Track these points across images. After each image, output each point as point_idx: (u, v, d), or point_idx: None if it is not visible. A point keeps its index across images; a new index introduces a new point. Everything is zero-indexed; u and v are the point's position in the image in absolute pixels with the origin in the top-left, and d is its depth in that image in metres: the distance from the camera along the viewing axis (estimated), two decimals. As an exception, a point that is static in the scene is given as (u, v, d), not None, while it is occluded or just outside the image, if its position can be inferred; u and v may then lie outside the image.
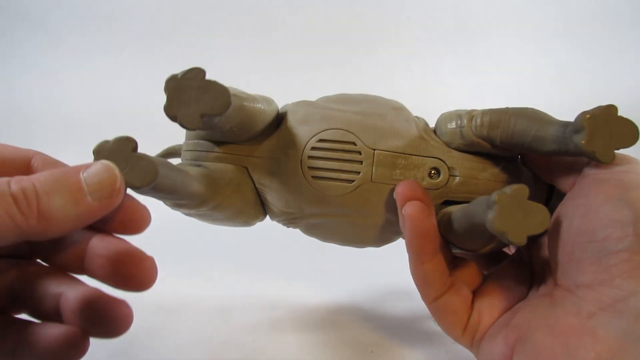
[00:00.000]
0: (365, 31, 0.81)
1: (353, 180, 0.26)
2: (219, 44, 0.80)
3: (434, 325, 0.33)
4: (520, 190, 0.19)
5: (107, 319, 0.19)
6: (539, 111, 0.23)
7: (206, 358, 0.31)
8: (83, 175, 0.17)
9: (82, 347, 0.19)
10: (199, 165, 0.27)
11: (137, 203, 0.20)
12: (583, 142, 0.19)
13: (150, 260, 0.19)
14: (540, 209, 0.19)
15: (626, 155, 0.21)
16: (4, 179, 0.16)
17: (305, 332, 0.34)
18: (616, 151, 0.20)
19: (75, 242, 0.20)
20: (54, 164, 0.21)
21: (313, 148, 0.26)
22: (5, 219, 0.15)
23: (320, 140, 0.26)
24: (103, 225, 0.20)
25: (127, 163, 0.18)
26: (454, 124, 0.26)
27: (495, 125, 0.24)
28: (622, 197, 0.18)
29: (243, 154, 0.27)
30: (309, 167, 0.26)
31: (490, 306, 0.24)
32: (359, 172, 0.26)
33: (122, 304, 0.19)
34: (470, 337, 0.24)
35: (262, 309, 0.38)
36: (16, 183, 0.16)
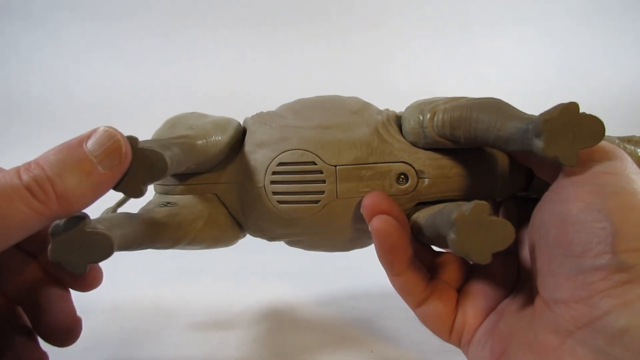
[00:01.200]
0: (367, 8, 0.81)
1: (318, 201, 0.25)
2: (221, 23, 0.80)
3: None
4: (478, 208, 0.18)
5: (66, 333, 0.23)
6: (503, 104, 0.22)
7: (206, 358, 0.31)
8: (87, 147, 0.17)
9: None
10: (167, 204, 0.26)
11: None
12: (543, 147, 0.18)
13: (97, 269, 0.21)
14: (502, 224, 0.18)
15: (609, 149, 0.19)
16: (13, 170, 0.16)
17: (305, 332, 0.34)
18: (602, 142, 0.19)
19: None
20: None
21: (274, 172, 0.25)
22: (26, 211, 0.16)
23: (280, 164, 0.25)
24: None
25: (81, 243, 0.18)
26: (416, 123, 0.25)
27: (457, 125, 0.22)
28: (600, 207, 0.17)
29: (210, 182, 0.27)
30: (273, 193, 0.25)
31: (474, 307, 0.24)
32: (323, 192, 0.25)
33: (79, 322, 0.23)
34: (457, 338, 0.24)
35: (261, 308, 0.38)
36: (26, 172, 0.16)
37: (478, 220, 0.18)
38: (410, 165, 0.25)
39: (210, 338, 0.33)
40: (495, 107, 0.21)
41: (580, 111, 0.18)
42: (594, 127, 0.18)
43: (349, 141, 0.25)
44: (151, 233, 0.23)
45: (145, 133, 0.27)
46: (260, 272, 0.45)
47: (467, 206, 0.19)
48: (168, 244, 0.25)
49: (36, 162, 0.17)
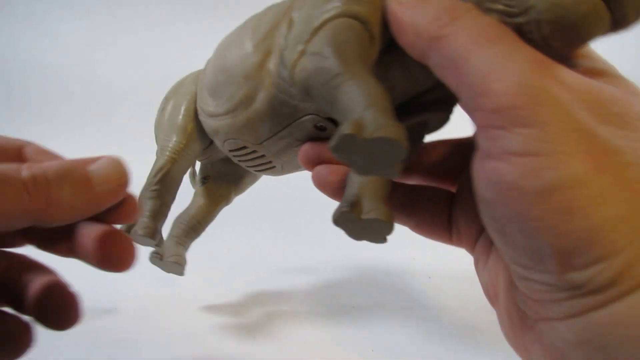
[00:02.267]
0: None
1: (275, 166, 0.28)
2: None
3: (434, 325, 0.33)
4: (343, 215, 0.19)
5: (57, 309, 0.20)
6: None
7: (206, 357, 0.31)
8: (91, 168, 0.18)
9: (24, 340, 0.21)
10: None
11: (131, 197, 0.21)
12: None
13: (130, 241, 0.20)
14: (374, 222, 0.19)
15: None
16: (14, 165, 0.17)
17: (305, 332, 0.34)
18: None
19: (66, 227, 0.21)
20: (48, 153, 0.21)
21: (233, 157, 0.28)
22: (14, 203, 0.16)
23: (230, 151, 0.28)
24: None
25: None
26: (283, 79, 0.22)
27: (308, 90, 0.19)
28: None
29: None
30: (245, 166, 0.29)
31: (465, 229, 0.22)
32: (271, 161, 0.27)
33: (74, 297, 0.20)
34: (458, 244, 0.23)
35: (261, 308, 0.38)
36: (27, 169, 0.17)
37: (354, 222, 0.19)
38: (316, 114, 0.23)
39: (210, 338, 0.33)
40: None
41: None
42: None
43: (256, 116, 0.24)
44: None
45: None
46: (261, 272, 0.45)
47: (336, 210, 0.19)
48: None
49: (41, 165, 0.17)
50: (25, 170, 0.17)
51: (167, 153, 0.30)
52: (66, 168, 0.17)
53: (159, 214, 0.30)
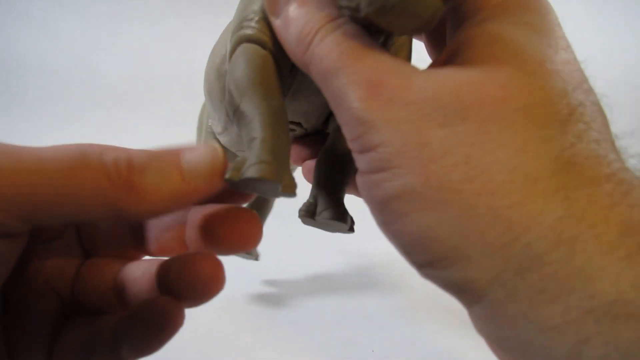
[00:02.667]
0: None
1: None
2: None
3: (434, 325, 0.33)
4: (301, 217, 0.20)
5: (192, 278, 0.18)
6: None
7: (206, 359, 0.31)
8: (184, 156, 0.16)
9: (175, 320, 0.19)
10: None
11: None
12: None
13: (253, 214, 0.18)
14: (329, 223, 0.20)
15: None
16: (97, 146, 0.15)
17: (305, 332, 0.34)
18: None
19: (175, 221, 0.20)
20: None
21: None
22: (91, 188, 0.14)
23: None
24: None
25: None
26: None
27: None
28: None
29: None
30: None
31: None
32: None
33: (210, 258, 0.18)
34: None
35: (262, 308, 0.38)
36: (112, 152, 0.15)
37: (309, 221, 0.20)
38: None
39: (210, 337, 0.33)
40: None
41: None
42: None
43: (212, 108, 0.25)
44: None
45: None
46: (261, 272, 0.45)
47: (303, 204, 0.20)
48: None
49: (125, 149, 0.15)
50: (108, 153, 0.15)
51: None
52: (155, 154, 0.15)
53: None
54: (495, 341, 0.14)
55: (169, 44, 0.85)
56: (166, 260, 0.19)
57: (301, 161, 0.25)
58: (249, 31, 0.19)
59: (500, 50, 0.15)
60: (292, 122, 0.24)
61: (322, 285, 0.41)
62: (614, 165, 0.14)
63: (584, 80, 0.15)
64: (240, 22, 0.19)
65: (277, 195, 0.18)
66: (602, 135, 0.14)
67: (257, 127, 0.17)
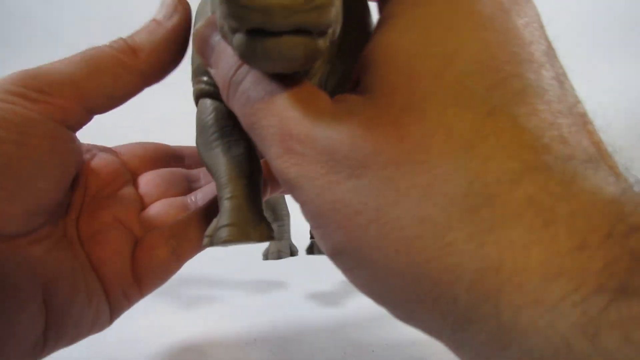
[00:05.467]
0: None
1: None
2: None
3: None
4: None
5: None
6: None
7: (206, 358, 0.31)
8: (155, 16, 0.21)
9: None
10: None
11: None
12: None
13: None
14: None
15: None
16: (103, 46, 0.20)
17: (305, 331, 0.34)
18: None
19: None
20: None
21: None
22: (117, 69, 0.20)
23: None
24: None
25: None
26: None
27: None
28: None
29: None
30: None
31: None
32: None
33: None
34: None
35: (262, 307, 0.38)
36: (111, 43, 0.20)
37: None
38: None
39: (210, 337, 0.33)
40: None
41: None
42: None
43: None
44: None
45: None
46: (261, 272, 0.45)
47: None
48: None
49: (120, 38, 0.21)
50: (111, 45, 0.20)
51: None
52: (138, 28, 0.21)
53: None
54: None
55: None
56: None
57: (268, 194, 0.25)
58: (202, 85, 0.20)
59: (394, 72, 0.13)
60: None
61: (321, 284, 0.42)
62: (529, 186, 0.11)
63: (507, 76, 0.13)
64: (194, 75, 0.21)
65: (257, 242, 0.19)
66: (517, 150, 0.12)
67: (221, 185, 0.19)
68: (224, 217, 0.18)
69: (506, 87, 0.12)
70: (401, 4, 0.14)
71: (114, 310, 0.23)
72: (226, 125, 0.20)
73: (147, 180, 0.27)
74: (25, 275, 0.19)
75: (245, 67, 0.16)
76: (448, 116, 0.12)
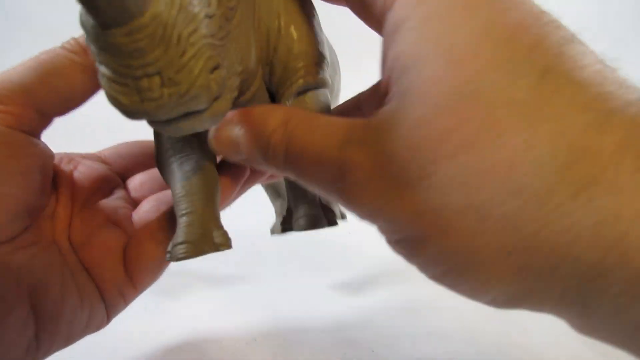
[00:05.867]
0: None
1: None
2: None
3: (435, 324, 0.33)
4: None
5: None
6: None
7: (206, 357, 0.31)
8: None
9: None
10: None
11: None
12: None
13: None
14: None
15: None
16: (55, 49, 0.20)
17: (305, 331, 0.34)
18: None
19: None
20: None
21: None
22: (73, 67, 0.20)
23: None
24: None
25: None
26: None
27: None
28: None
29: None
30: None
31: None
32: None
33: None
34: None
35: (262, 307, 0.38)
36: (64, 44, 0.20)
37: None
38: None
39: (210, 336, 0.33)
40: None
41: None
42: None
43: None
44: None
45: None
46: (260, 272, 0.45)
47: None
48: None
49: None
50: (63, 46, 0.20)
51: None
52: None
53: None
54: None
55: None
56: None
57: (253, 182, 0.26)
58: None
59: (428, 66, 0.13)
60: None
61: (321, 284, 0.41)
62: (614, 133, 0.12)
63: (540, 37, 0.13)
64: None
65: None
66: (586, 102, 0.12)
67: (175, 202, 0.20)
68: (179, 234, 0.19)
69: (544, 46, 0.13)
70: (409, 6, 0.14)
71: (111, 309, 0.23)
72: (177, 142, 0.21)
73: (137, 182, 0.27)
74: (10, 282, 0.19)
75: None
76: (502, 89, 0.12)
